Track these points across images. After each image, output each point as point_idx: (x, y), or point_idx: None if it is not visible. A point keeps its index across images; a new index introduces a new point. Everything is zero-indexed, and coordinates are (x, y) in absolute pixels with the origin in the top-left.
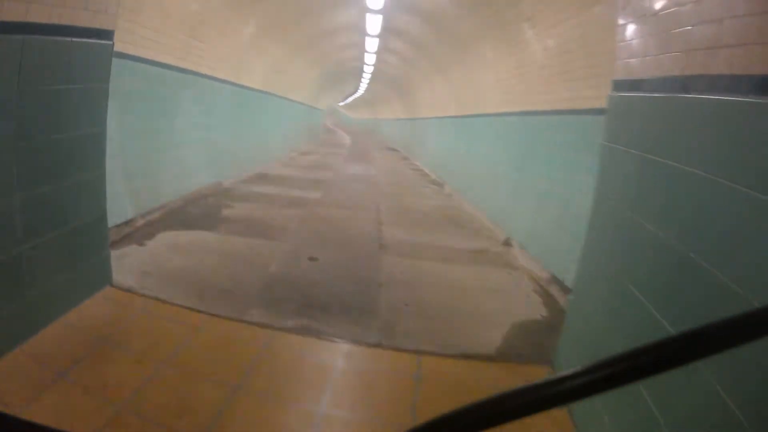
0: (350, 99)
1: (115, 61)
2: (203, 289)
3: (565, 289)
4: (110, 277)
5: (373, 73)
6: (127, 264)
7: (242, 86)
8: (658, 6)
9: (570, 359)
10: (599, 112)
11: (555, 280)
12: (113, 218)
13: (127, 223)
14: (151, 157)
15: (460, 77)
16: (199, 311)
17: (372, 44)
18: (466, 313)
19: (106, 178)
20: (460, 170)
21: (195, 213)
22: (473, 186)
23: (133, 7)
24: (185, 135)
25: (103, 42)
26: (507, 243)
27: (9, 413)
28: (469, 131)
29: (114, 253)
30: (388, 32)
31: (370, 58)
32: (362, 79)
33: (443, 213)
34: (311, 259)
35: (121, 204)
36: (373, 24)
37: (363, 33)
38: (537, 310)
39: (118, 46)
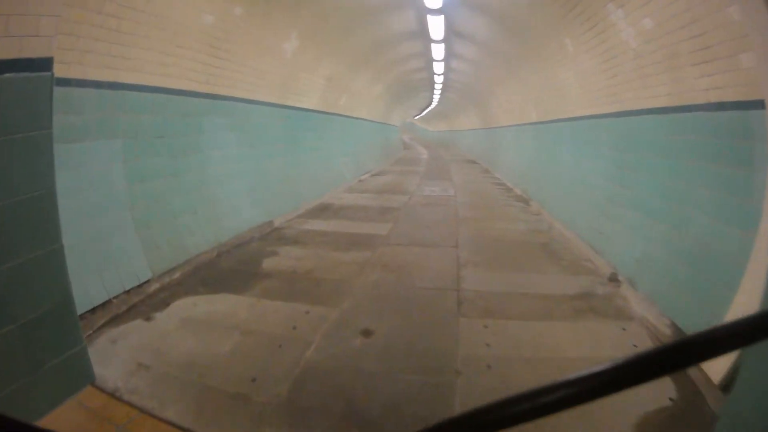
0: (425, 112)
1: (108, 93)
2: (207, 393)
3: None
4: (91, 374)
5: (443, 83)
6: (122, 349)
7: (293, 108)
8: None
9: None
10: (718, 107)
11: (678, 331)
12: (120, 283)
13: (140, 287)
14: (172, 201)
15: (536, 78)
16: None
17: (438, 51)
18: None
19: (65, 251)
20: (545, 183)
21: (227, 267)
22: (562, 202)
23: (123, 28)
24: (220, 170)
25: (37, 75)
26: (613, 279)
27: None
28: (551, 138)
29: (112, 333)
30: (452, 35)
31: (438, 67)
32: (434, 91)
33: (533, 239)
34: (365, 333)
35: (132, 264)
36: (436, 27)
37: (427, 38)
38: (665, 392)
39: (109, 75)
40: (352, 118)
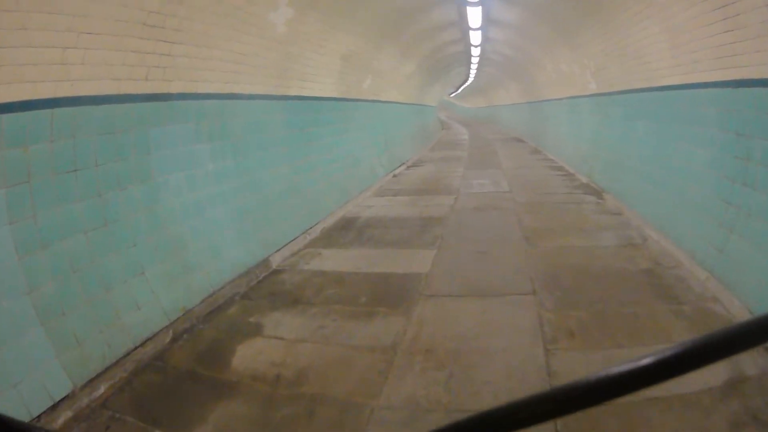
0: (461, 89)
1: None
2: None
3: None
4: None
5: (480, 56)
6: None
7: (298, 98)
8: None
9: None
10: None
11: None
12: (23, 406)
13: (55, 408)
14: (101, 265)
15: (598, 42)
16: None
17: (475, 16)
18: None
19: None
20: (619, 170)
21: (179, 368)
22: (650, 196)
23: None
24: (185, 200)
25: None
26: None
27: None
28: (622, 114)
29: None
30: None
31: (475, 37)
32: (471, 65)
33: (631, 265)
34: None
35: (38, 376)
36: None
37: (461, 1)
38: None
39: None
40: (381, 102)
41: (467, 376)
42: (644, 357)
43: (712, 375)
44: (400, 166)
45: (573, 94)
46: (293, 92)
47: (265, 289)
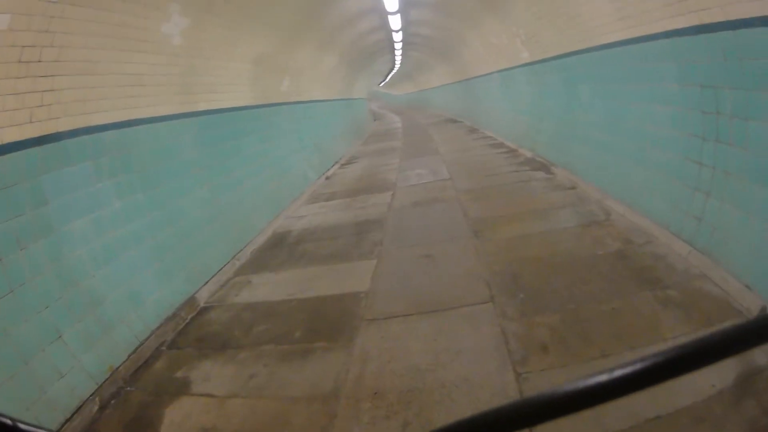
0: (389, 77)
1: None
2: None
3: None
4: None
5: (403, 41)
6: None
7: (208, 112)
8: None
9: None
10: None
11: None
12: None
13: None
14: (10, 335)
15: (526, 7)
16: None
17: (391, 1)
18: None
19: None
20: (565, 140)
21: None
22: (606, 166)
23: None
24: (92, 248)
25: None
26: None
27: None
28: (562, 79)
29: None
30: None
31: (395, 22)
32: (395, 51)
33: (600, 248)
34: None
35: None
36: None
37: None
38: None
39: None
40: (304, 102)
41: (426, 422)
42: (642, 359)
43: (719, 374)
44: (333, 165)
45: (505, 67)
46: (202, 107)
47: (193, 334)
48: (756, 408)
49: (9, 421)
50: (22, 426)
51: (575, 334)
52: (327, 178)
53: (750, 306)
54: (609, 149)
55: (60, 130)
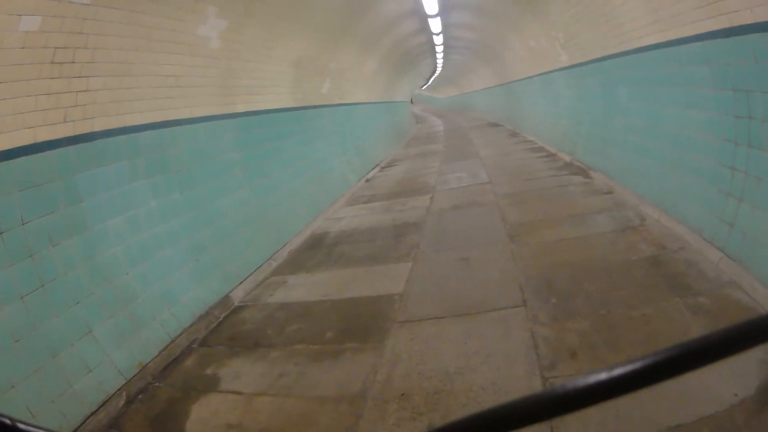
0: (431, 80)
1: None
2: None
3: None
4: None
5: (444, 44)
6: None
7: (248, 113)
8: None
9: None
10: None
11: None
12: None
13: None
14: (42, 331)
15: (565, 8)
16: None
17: (431, 4)
18: None
19: None
20: (603, 144)
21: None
22: (642, 169)
23: None
24: (128, 245)
25: None
26: None
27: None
28: (599, 83)
29: None
30: None
31: (435, 25)
32: (436, 55)
33: (633, 254)
34: None
35: None
36: None
37: None
38: None
39: None
40: (345, 105)
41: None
42: (647, 356)
43: (742, 382)
44: (373, 168)
45: (544, 70)
46: (241, 108)
47: (225, 332)
48: None
49: (8, 421)
50: (21, 426)
51: (604, 340)
52: (367, 180)
53: None
54: (646, 153)
55: (95, 130)
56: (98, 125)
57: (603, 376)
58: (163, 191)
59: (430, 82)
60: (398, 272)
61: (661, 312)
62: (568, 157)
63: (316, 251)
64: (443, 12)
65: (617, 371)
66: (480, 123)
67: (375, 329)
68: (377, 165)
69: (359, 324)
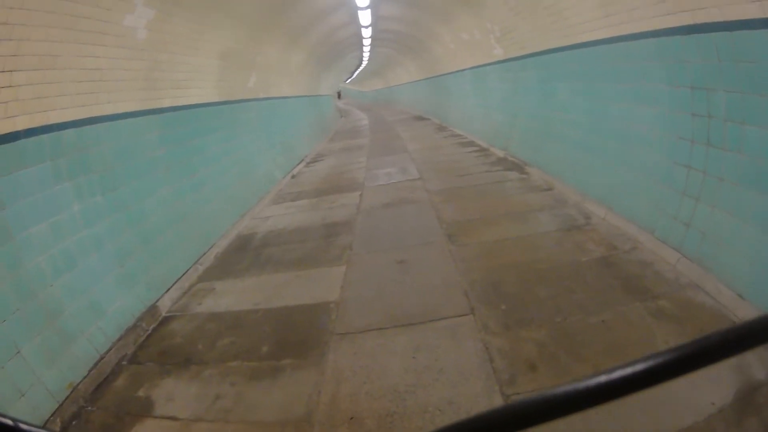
0: (356, 74)
1: None
2: None
3: None
4: None
5: (373, 36)
6: None
7: (173, 108)
8: None
9: None
10: None
11: None
12: None
13: None
14: None
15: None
16: None
17: None
18: None
19: None
20: (541, 139)
21: None
22: (585, 166)
23: None
24: (51, 253)
25: None
26: None
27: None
28: (537, 77)
29: None
30: None
31: (364, 17)
32: (363, 48)
33: (582, 254)
34: None
35: None
36: None
37: None
38: None
39: None
40: (271, 99)
41: None
42: (642, 360)
43: (719, 391)
44: (299, 163)
45: (477, 64)
46: (167, 103)
47: (155, 347)
48: (758, 425)
49: (10, 422)
50: (22, 426)
51: (565, 350)
52: (293, 177)
53: (745, 316)
54: (589, 149)
55: (17, 129)
56: (21, 124)
57: (602, 378)
58: (86, 193)
59: (355, 76)
60: (332, 277)
61: (621, 317)
62: (502, 152)
63: (244, 254)
64: (374, 4)
65: (617, 374)
66: (406, 116)
67: (313, 342)
68: (303, 160)
69: (296, 336)
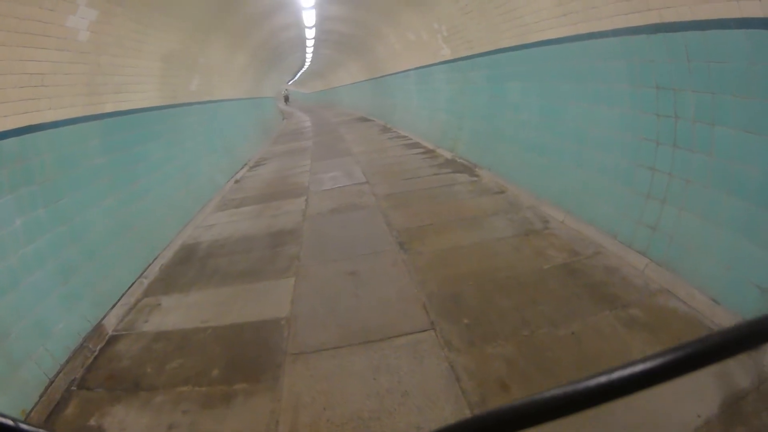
0: (298, 75)
1: None
2: None
3: None
4: None
5: (317, 38)
6: None
7: (115, 114)
8: None
9: None
10: None
11: None
12: None
13: None
14: None
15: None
16: None
17: None
18: None
19: None
20: (490, 136)
21: None
22: (536, 164)
23: None
24: None
25: None
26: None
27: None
28: (486, 78)
29: None
30: None
31: (308, 17)
32: (306, 49)
33: (544, 260)
34: None
35: None
36: None
37: None
38: None
39: None
40: (214, 102)
41: None
42: (642, 360)
43: (704, 403)
44: (242, 168)
45: (423, 64)
46: (109, 108)
47: (103, 370)
48: None
49: (11, 422)
50: (24, 426)
51: (536, 366)
52: (236, 181)
53: (721, 321)
54: (543, 151)
55: None
56: None
57: (603, 379)
58: (28, 207)
59: (297, 77)
60: (281, 290)
61: (592, 328)
62: (449, 154)
63: (189, 266)
64: (319, 3)
65: (617, 374)
66: (349, 118)
67: (266, 364)
68: (245, 164)
69: (247, 357)
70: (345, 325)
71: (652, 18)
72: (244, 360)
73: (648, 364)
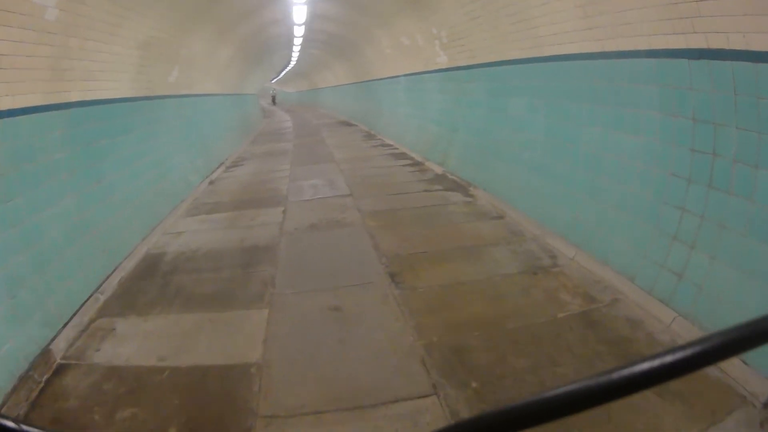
0: (283, 74)
1: None
2: None
3: None
4: None
5: (305, 36)
6: None
7: (82, 104)
8: None
9: None
10: None
11: None
12: None
13: None
14: None
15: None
16: None
17: None
18: None
19: None
20: (486, 154)
21: None
22: (541, 190)
23: None
24: None
25: None
26: None
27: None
28: (486, 90)
29: None
30: None
31: (299, 13)
32: (293, 47)
33: (549, 303)
34: None
35: None
36: None
37: None
38: None
39: None
40: (193, 96)
41: None
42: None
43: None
44: (218, 167)
45: (415, 71)
46: (75, 97)
47: (48, 409)
48: None
49: (12, 423)
50: (25, 428)
51: None
52: (211, 182)
53: (756, 390)
54: (549, 175)
55: None
56: None
57: (603, 379)
58: None
59: (281, 75)
60: (252, 324)
61: (622, 400)
62: (439, 168)
63: (151, 282)
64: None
65: (617, 374)
66: (331, 121)
67: (232, 427)
68: (222, 164)
69: (209, 416)
70: (328, 379)
71: (697, 42)
72: (205, 419)
73: (648, 365)
